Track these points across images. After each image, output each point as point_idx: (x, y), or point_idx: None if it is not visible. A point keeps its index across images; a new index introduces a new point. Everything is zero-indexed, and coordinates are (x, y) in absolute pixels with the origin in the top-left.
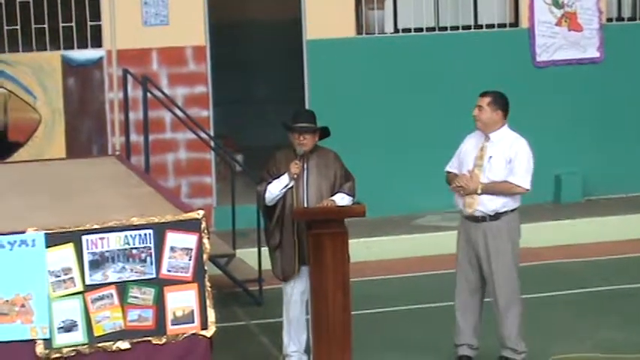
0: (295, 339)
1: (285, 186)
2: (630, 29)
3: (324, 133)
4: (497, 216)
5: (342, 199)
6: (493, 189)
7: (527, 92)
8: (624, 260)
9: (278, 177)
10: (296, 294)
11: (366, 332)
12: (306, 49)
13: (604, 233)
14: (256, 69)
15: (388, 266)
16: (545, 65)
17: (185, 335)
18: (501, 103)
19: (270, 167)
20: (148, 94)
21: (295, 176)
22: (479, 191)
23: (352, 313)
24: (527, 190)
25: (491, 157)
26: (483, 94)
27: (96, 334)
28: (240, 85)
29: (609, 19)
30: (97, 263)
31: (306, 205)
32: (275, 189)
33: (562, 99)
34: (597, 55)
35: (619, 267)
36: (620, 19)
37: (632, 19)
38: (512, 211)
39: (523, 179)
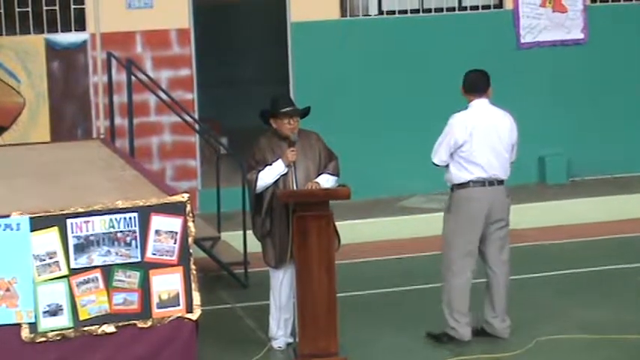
0: (282, 322)
1: (279, 173)
2: (614, 10)
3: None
4: (451, 188)
5: (327, 181)
6: None
7: (512, 74)
8: (609, 241)
9: (268, 164)
10: (286, 279)
11: (352, 314)
12: (291, 32)
13: (589, 214)
14: (241, 52)
15: (374, 248)
16: (529, 47)
17: (170, 318)
18: (466, 81)
19: (256, 154)
20: (133, 78)
21: (292, 163)
22: None
23: (338, 295)
24: (435, 163)
25: None
26: None
27: (81, 317)
28: (225, 67)
29: (593, 0)
30: (82, 247)
31: (295, 189)
32: (268, 177)
33: (546, 80)
34: (581, 36)
35: (604, 248)
36: (604, 0)
37: (617, 0)
38: (461, 186)
39: (433, 152)
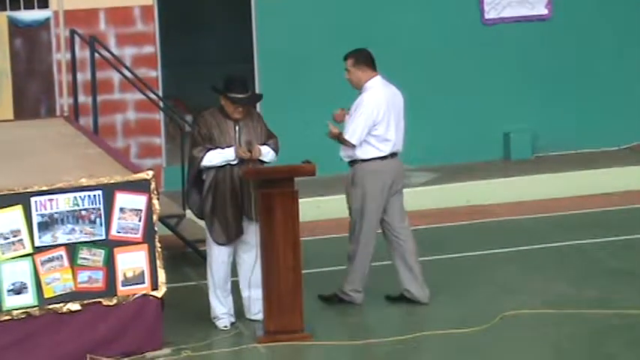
0: (223, 300)
1: (227, 161)
2: None
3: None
4: (352, 162)
5: (267, 153)
6: (339, 138)
7: (476, 50)
8: (574, 216)
9: (213, 140)
10: (223, 256)
11: (317, 291)
12: (255, 9)
13: (554, 190)
14: (205, 29)
15: (339, 225)
16: (493, 23)
17: (136, 296)
18: (363, 59)
19: (202, 129)
20: (96, 55)
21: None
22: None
23: (303, 271)
24: (354, 145)
25: (349, 108)
26: (345, 58)
27: (46, 296)
28: (189, 45)
29: None
30: (47, 225)
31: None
32: (217, 159)
33: (511, 56)
34: (546, 12)
35: (569, 223)
36: None
37: None
38: (366, 160)
39: (349, 134)
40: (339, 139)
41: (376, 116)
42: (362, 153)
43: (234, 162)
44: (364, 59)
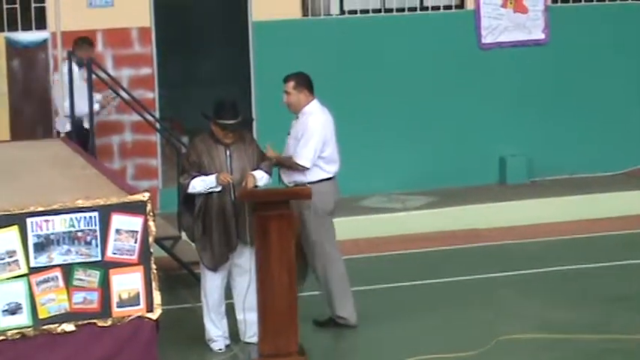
0: (218, 323)
1: (211, 188)
2: (575, 11)
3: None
4: (297, 187)
5: (261, 178)
6: (282, 163)
7: (473, 74)
8: (569, 241)
9: (202, 167)
10: (217, 279)
11: (312, 313)
12: (252, 31)
13: (549, 214)
14: (202, 51)
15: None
16: (490, 47)
17: (131, 318)
18: (304, 82)
19: (191, 156)
20: (93, 76)
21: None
22: (274, 162)
23: (298, 294)
24: (306, 167)
25: (289, 134)
26: (286, 80)
27: (41, 316)
28: (186, 67)
29: (554, 1)
30: (42, 246)
31: (232, 192)
32: (200, 186)
33: (507, 81)
34: (542, 37)
35: (565, 248)
36: (565, 0)
37: (577, 0)
38: (313, 182)
39: (301, 157)
40: (287, 163)
41: (325, 137)
42: (310, 176)
43: (217, 189)
44: (304, 82)
